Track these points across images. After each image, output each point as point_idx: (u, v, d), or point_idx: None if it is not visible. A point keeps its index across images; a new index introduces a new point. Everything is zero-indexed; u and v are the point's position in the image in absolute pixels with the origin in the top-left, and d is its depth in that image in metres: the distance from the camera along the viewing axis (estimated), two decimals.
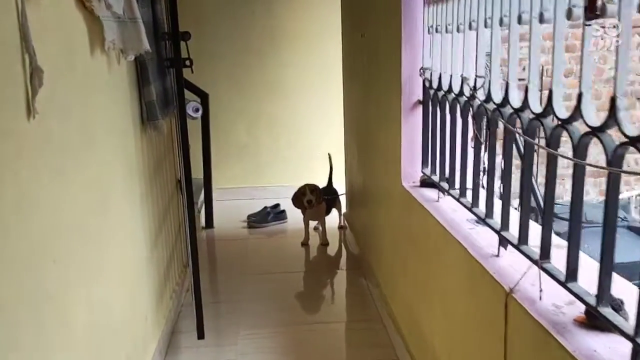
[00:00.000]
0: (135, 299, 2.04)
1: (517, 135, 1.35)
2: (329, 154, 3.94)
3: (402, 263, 2.31)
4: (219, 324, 2.69)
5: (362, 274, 3.22)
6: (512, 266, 1.38)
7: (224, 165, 4.78)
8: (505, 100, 1.36)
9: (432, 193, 2.05)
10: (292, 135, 4.83)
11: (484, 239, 1.57)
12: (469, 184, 1.72)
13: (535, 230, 1.36)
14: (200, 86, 3.97)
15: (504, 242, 1.44)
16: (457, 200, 1.78)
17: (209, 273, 3.39)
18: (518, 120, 1.33)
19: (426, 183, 2.14)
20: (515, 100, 1.34)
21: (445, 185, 1.91)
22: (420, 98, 2.15)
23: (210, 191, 4.08)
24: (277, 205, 4.29)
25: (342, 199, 4.01)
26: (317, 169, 4.22)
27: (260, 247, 3.79)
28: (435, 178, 2.01)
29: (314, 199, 3.58)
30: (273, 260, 3.54)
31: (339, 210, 3.99)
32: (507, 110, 1.39)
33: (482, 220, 1.59)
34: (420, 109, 2.16)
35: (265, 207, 4.25)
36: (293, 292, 3.08)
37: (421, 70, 2.09)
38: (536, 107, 1.24)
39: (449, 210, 1.86)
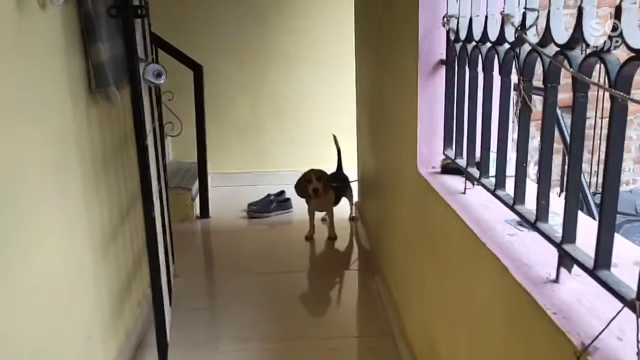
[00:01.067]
0: (69, 316, 1.59)
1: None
2: (333, 135, 3.44)
3: (417, 271, 1.82)
4: (195, 336, 2.24)
5: (373, 275, 2.74)
6: (583, 302, 0.88)
7: (224, 148, 4.31)
8: (578, 37, 0.85)
9: (457, 182, 1.55)
10: (301, 114, 4.32)
11: (533, 253, 1.07)
12: (510, 170, 1.21)
13: (618, 243, 0.86)
14: (194, 57, 3.51)
15: (567, 261, 0.94)
16: (492, 193, 1.27)
17: (194, 271, 2.94)
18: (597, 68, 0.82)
19: (449, 169, 1.64)
20: (593, 37, 0.83)
21: (475, 172, 1.41)
22: (444, 57, 1.64)
23: (205, 176, 3.63)
24: (282, 192, 3.82)
25: (354, 187, 3.52)
26: (328, 152, 3.70)
27: (259, 241, 3.32)
28: (462, 162, 1.50)
29: (321, 187, 3.09)
30: (272, 256, 3.07)
31: (350, 199, 3.50)
32: (578, 55, 0.88)
33: (530, 225, 1.09)
34: (442, 71, 1.65)
35: (269, 195, 3.78)
36: (290, 297, 2.61)
37: (445, 19, 1.57)
38: (635, 40, 0.73)
39: (479, 206, 1.36)
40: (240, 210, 3.75)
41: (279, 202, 3.73)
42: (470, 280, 1.28)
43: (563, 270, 0.94)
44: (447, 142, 1.64)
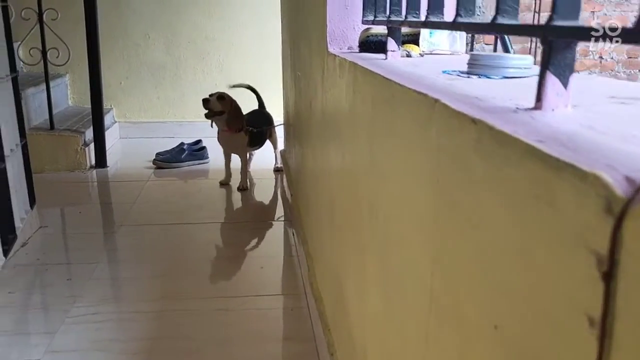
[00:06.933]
0: None
1: None
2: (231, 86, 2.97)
3: (328, 194, 1.33)
4: (42, 298, 1.69)
5: (292, 228, 2.25)
6: (594, 128, 0.39)
7: (136, 94, 3.72)
8: None
9: (379, 56, 1.05)
10: (225, 55, 3.76)
11: (489, 90, 0.59)
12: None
13: None
14: None
15: (562, 66, 0.45)
16: (423, 24, 0.78)
17: (74, 222, 2.37)
18: None
19: (371, 43, 1.15)
20: None
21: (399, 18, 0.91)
22: None
23: (100, 118, 3.03)
24: (198, 142, 3.27)
25: (280, 134, 3.02)
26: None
27: (163, 192, 2.76)
28: (384, 18, 1.00)
29: (216, 105, 2.65)
30: (175, 208, 2.52)
31: (275, 145, 2.99)
32: None
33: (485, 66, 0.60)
34: None
35: (182, 144, 3.23)
36: (188, 252, 2.08)
37: None
38: None
39: (407, 65, 0.87)
40: (147, 160, 3.18)
41: (192, 151, 3.18)
42: (399, 158, 0.79)
43: (553, 86, 0.45)
44: (366, 6, 1.14)
